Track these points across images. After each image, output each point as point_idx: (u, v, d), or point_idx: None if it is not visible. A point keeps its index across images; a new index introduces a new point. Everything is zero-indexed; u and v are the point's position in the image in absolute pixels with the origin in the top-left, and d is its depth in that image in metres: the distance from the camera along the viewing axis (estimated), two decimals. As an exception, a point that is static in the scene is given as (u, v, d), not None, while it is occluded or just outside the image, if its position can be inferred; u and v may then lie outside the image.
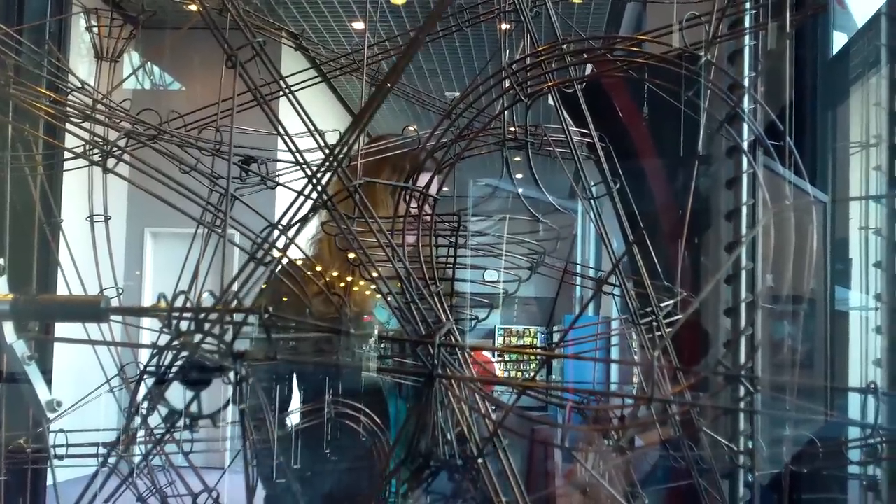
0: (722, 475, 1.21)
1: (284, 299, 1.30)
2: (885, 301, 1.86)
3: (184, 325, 0.73)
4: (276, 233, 0.87)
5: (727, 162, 1.35)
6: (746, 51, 1.33)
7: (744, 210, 1.34)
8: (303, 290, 1.26)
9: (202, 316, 0.71)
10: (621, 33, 6.11)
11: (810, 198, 1.11)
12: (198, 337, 0.72)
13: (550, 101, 1.12)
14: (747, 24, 1.22)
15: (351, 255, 1.11)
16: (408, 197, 1.05)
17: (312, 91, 1.45)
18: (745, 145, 1.29)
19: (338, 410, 1.32)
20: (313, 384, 1.41)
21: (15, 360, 0.83)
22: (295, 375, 1.47)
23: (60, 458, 1.27)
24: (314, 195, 0.87)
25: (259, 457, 1.24)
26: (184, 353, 0.73)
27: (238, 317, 0.73)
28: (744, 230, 1.33)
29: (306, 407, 1.39)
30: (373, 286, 1.19)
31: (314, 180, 0.87)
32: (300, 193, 0.85)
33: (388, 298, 0.99)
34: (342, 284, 1.31)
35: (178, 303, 0.72)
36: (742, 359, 1.29)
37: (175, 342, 0.72)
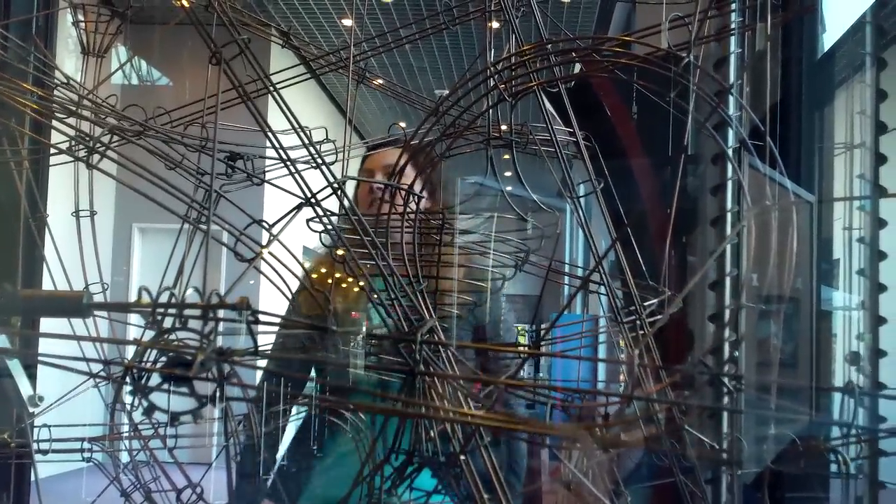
0: (706, 479, 1.21)
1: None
2: (868, 308, 1.87)
3: (167, 322, 0.73)
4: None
5: (712, 168, 1.35)
6: (732, 58, 1.34)
7: (728, 217, 1.35)
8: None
9: (185, 312, 0.71)
10: (610, 33, 6.12)
11: (791, 197, 1.12)
12: (181, 333, 0.72)
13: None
14: (733, 25, 1.23)
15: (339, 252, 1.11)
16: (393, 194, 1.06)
17: (303, 89, 1.45)
18: (730, 150, 1.29)
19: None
20: None
21: (-3, 355, 0.83)
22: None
23: (44, 453, 1.26)
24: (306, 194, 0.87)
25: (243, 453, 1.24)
26: (165, 350, 0.73)
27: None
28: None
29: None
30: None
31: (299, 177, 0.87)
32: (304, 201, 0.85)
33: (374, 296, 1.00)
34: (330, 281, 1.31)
35: (162, 299, 0.72)
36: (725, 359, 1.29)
37: (157, 338, 0.72)
